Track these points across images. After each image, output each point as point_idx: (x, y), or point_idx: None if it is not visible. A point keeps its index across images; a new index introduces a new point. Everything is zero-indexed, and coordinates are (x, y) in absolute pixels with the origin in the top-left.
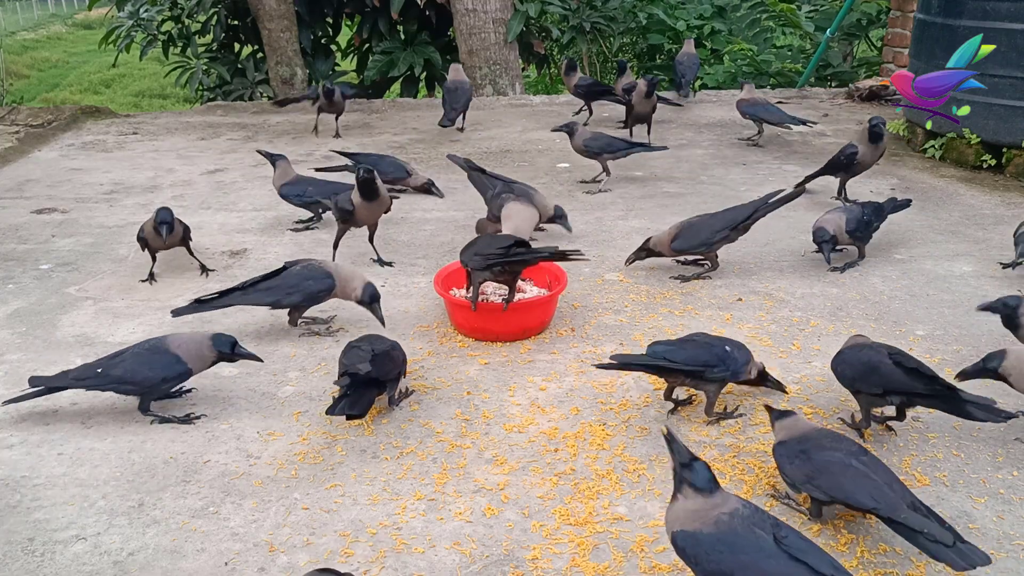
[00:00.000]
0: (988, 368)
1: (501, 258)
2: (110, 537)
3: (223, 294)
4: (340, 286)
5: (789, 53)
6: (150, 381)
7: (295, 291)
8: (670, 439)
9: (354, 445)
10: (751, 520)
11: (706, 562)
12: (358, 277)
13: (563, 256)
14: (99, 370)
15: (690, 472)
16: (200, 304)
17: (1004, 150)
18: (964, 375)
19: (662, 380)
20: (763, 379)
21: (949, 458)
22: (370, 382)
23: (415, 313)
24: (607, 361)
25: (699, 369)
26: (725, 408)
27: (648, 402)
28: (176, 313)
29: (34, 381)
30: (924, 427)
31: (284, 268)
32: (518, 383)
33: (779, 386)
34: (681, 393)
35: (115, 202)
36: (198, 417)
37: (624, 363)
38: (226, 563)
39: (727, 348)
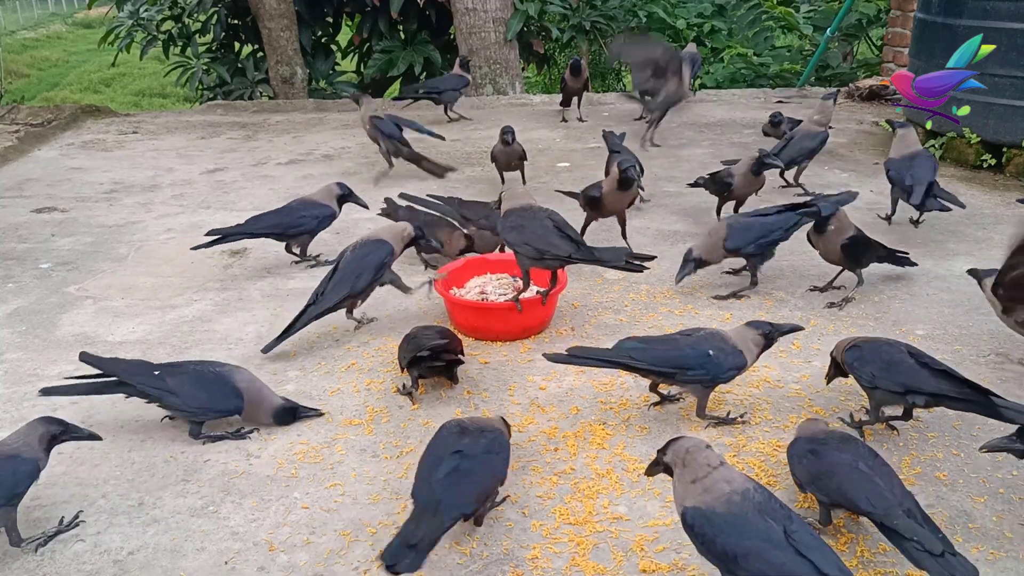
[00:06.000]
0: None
1: (563, 260)
2: (110, 536)
3: (300, 315)
4: (396, 247)
5: (788, 53)
6: (199, 405)
7: (363, 270)
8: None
9: (354, 444)
10: (763, 507)
11: (713, 542)
12: (400, 225)
13: (629, 265)
14: (156, 372)
15: (663, 450)
16: (285, 334)
17: (1004, 150)
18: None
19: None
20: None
21: (949, 457)
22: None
23: (415, 312)
24: (561, 353)
25: (669, 371)
26: (728, 413)
27: (647, 401)
28: (266, 350)
29: (84, 357)
30: (924, 426)
31: (338, 262)
32: (518, 382)
33: (793, 328)
34: (674, 389)
35: (115, 201)
36: (250, 432)
37: (580, 356)
38: (226, 562)
39: (710, 352)
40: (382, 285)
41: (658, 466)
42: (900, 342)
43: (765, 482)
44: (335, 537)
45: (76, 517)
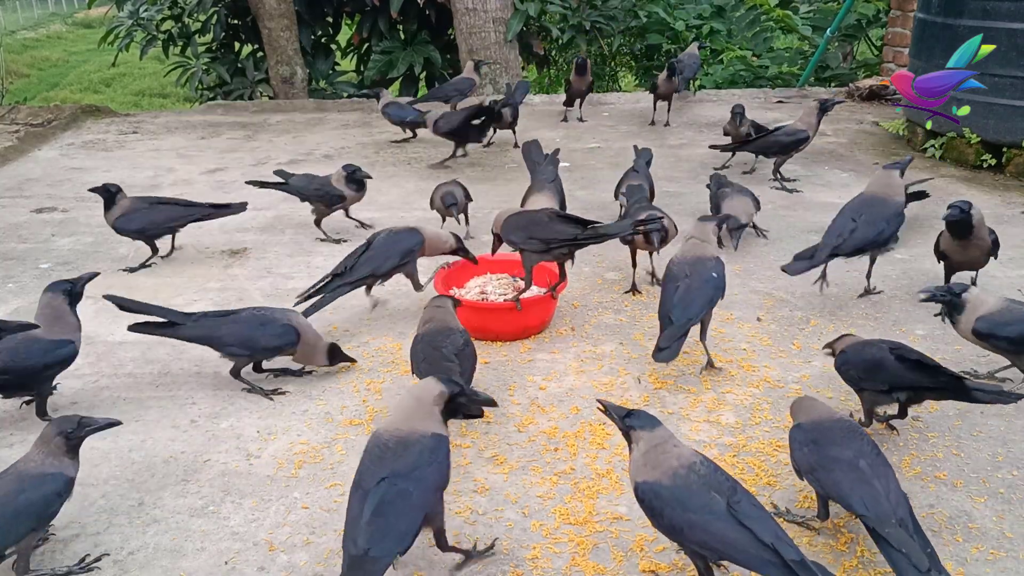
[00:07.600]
0: (953, 292)
1: (569, 243)
2: (110, 536)
3: (328, 282)
4: (429, 241)
5: (787, 55)
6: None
7: (391, 254)
8: (605, 408)
9: (354, 444)
10: (708, 480)
11: (662, 516)
12: (446, 233)
13: (636, 232)
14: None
15: (632, 418)
16: (318, 302)
17: (1004, 150)
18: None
19: (656, 372)
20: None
21: (949, 458)
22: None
23: (415, 312)
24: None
25: (703, 310)
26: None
27: (647, 401)
28: (306, 314)
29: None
30: (924, 426)
31: (370, 243)
32: (518, 382)
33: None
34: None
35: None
36: (282, 393)
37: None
38: (226, 562)
39: (715, 275)
40: (402, 270)
41: (622, 430)
42: (885, 341)
43: (765, 482)
44: (335, 537)
45: (98, 558)
